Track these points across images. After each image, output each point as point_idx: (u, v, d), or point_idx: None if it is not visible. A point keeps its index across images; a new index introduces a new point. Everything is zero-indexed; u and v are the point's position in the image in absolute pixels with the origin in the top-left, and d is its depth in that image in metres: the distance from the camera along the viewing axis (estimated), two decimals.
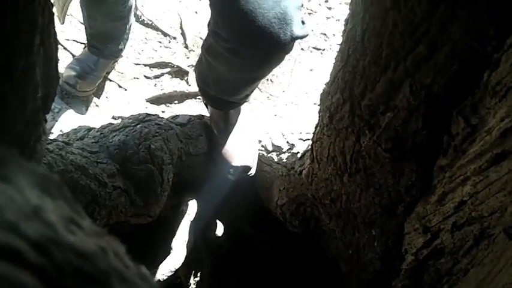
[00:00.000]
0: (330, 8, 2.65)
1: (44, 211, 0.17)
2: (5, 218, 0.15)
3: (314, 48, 2.46)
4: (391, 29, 0.68)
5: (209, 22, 1.17)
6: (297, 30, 1.06)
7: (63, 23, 1.39)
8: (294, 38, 1.07)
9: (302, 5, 1.08)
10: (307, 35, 1.11)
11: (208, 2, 1.12)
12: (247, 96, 1.45)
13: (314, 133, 1.12)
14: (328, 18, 2.59)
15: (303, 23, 1.08)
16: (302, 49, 2.41)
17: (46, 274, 0.15)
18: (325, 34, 2.55)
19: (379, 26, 0.70)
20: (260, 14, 1.02)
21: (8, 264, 0.15)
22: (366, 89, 0.80)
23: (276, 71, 2.20)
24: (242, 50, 1.10)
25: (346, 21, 0.80)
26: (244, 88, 1.36)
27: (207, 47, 1.25)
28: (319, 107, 1.04)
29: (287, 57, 1.22)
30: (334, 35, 2.53)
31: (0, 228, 0.15)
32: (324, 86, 0.97)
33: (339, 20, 2.58)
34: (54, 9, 1.16)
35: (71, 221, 0.19)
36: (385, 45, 0.71)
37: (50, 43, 0.56)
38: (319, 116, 1.05)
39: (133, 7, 1.87)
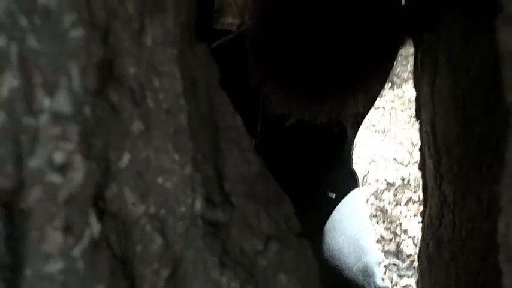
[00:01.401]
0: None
1: None
2: None
3: None
4: (455, 280, 0.76)
5: None
6: (379, 282, 1.16)
7: None
8: None
9: (381, 262, 1.21)
10: None
11: None
12: None
13: None
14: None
15: (382, 279, 1.18)
16: None
17: None
18: None
19: (444, 278, 0.78)
20: (345, 268, 1.16)
21: None
22: None
23: None
24: None
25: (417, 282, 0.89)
26: None
27: None
28: None
29: None
30: None
31: None
32: None
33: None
34: None
35: None
36: None
37: None
38: None
39: None
